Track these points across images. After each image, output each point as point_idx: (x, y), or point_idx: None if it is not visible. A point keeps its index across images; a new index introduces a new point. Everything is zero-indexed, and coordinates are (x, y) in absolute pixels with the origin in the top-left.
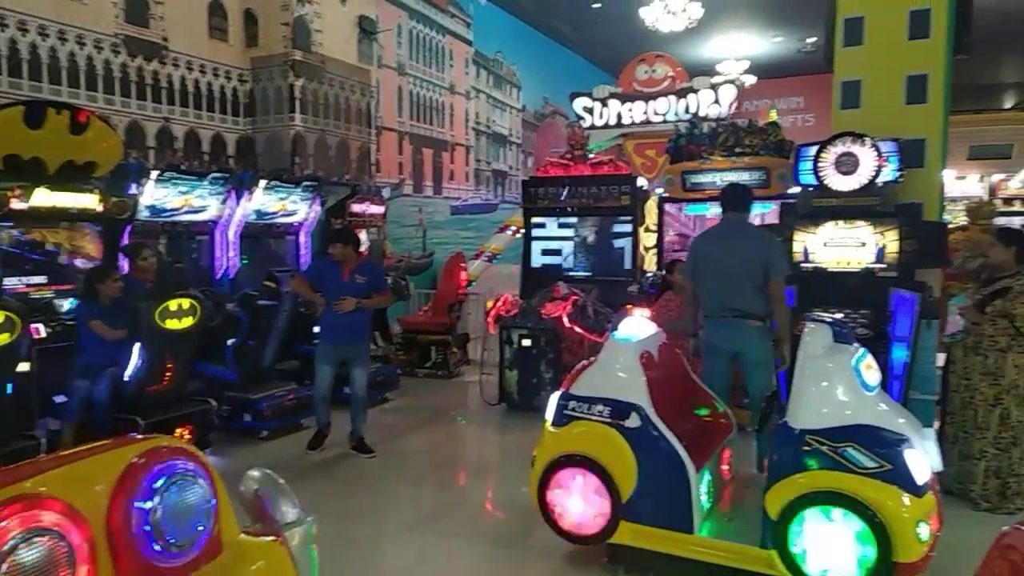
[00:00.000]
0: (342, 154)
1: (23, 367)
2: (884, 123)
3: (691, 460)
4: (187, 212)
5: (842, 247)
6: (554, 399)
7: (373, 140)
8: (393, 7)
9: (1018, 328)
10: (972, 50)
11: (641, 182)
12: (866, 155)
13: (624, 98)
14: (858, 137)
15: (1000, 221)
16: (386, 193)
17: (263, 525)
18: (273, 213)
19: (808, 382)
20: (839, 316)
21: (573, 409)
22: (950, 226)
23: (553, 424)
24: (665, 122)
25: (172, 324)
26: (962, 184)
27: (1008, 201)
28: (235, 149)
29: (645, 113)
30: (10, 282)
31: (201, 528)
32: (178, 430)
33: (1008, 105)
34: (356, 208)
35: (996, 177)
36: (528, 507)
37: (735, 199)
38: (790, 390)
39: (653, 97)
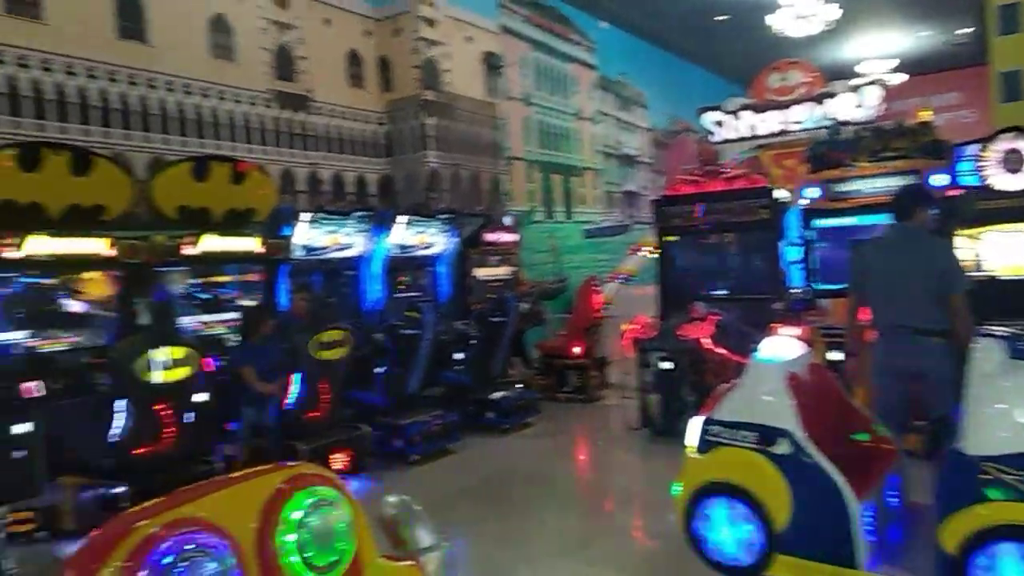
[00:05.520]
0: (474, 186)
1: (201, 397)
2: None
3: (851, 489)
4: (336, 250)
5: (1013, 253)
6: (696, 424)
7: (503, 170)
8: (517, 40)
9: None
10: None
11: (780, 194)
12: None
13: (757, 108)
14: None
15: None
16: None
17: (400, 550)
18: (413, 246)
19: (982, 404)
20: (1015, 330)
21: (716, 434)
22: None
23: (696, 450)
24: (803, 130)
25: (326, 354)
26: None
27: None
28: (377, 188)
29: (781, 122)
30: (186, 320)
31: (341, 551)
32: (335, 455)
33: None
34: (490, 237)
35: None
36: (678, 536)
37: (901, 204)
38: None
39: (788, 105)
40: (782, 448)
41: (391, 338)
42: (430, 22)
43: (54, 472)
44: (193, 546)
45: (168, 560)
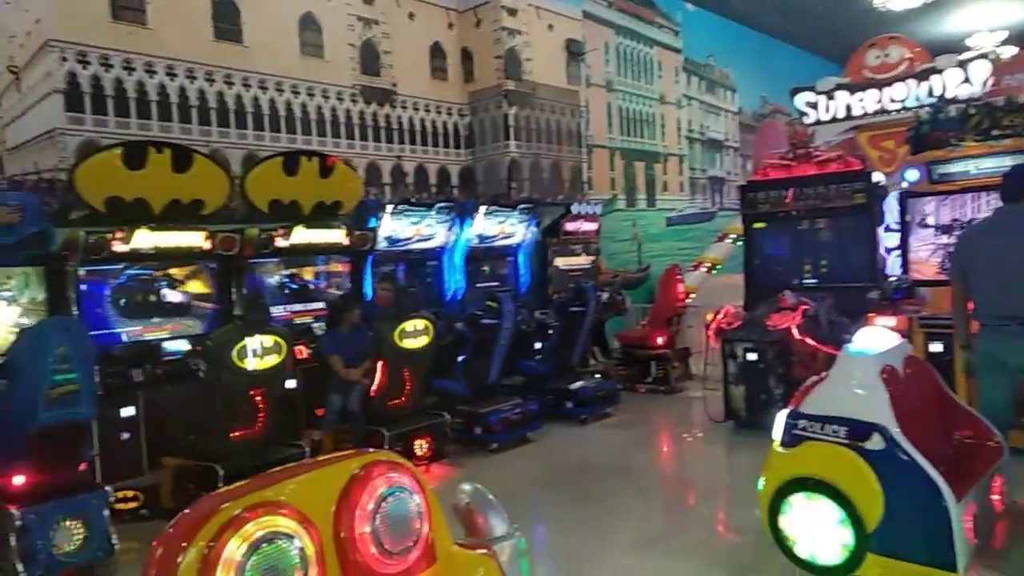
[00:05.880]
0: (555, 175)
1: (290, 384)
2: None
3: (950, 488)
4: (418, 240)
5: None
6: (781, 417)
7: (584, 158)
8: (599, 26)
9: None
10: None
11: (878, 177)
12: None
13: (853, 88)
14: None
15: None
16: (590, 209)
17: (474, 538)
18: (493, 236)
19: None
20: None
21: (803, 428)
22: None
23: (781, 444)
24: (903, 109)
25: (409, 343)
26: None
27: None
28: (458, 179)
29: (879, 102)
30: (276, 310)
31: (417, 537)
32: (417, 442)
33: None
34: (570, 226)
35: None
36: (762, 531)
37: (1011, 185)
38: None
39: (887, 83)
40: (875, 444)
41: (472, 327)
42: (511, 11)
43: (156, 453)
44: (274, 528)
45: (250, 541)
